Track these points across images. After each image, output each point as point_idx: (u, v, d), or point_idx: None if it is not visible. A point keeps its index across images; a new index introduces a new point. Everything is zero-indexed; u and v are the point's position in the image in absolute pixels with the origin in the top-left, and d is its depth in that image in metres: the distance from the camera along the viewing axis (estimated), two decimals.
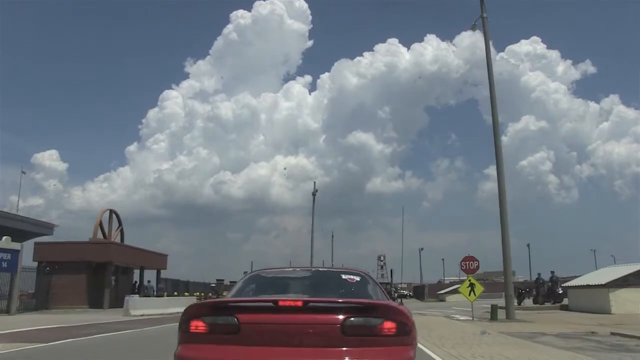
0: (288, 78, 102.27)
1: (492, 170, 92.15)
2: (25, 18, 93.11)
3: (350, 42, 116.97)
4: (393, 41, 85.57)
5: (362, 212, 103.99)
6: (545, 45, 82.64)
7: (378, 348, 3.31)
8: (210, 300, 4.77)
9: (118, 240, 34.46)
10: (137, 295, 30.01)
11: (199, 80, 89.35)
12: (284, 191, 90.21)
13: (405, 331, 3.44)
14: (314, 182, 56.55)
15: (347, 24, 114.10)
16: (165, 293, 38.62)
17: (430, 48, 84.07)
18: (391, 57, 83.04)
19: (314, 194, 55.67)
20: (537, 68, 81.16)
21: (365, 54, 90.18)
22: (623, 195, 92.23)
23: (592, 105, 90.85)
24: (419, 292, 66.44)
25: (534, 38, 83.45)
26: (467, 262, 20.01)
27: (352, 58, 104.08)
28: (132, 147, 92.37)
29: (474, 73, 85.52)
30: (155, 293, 29.72)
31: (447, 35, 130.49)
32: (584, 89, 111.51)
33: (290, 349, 3.24)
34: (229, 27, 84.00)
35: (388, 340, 3.36)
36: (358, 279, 4.55)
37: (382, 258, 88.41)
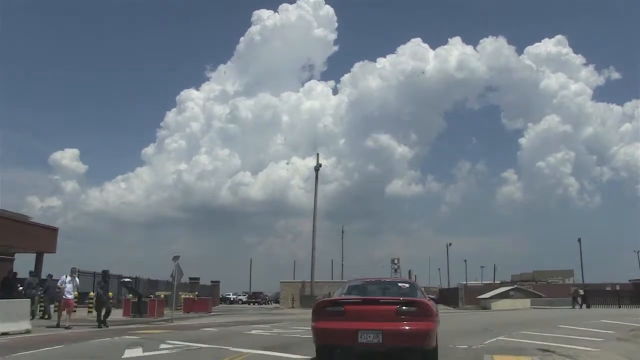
0: (310, 78, 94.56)
1: (509, 174, 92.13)
2: (42, 17, 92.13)
3: (373, 43, 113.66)
4: (417, 41, 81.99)
5: (380, 215, 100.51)
6: (571, 49, 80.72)
7: (414, 322, 6.88)
8: (330, 299, 8.27)
9: None
10: None
11: (220, 83, 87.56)
12: (302, 193, 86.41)
13: (429, 313, 7.10)
14: (317, 154, 48.64)
15: (371, 25, 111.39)
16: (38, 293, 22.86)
17: (455, 51, 79.83)
18: (415, 60, 79.21)
19: (317, 169, 47.21)
20: (560, 70, 78.28)
21: (388, 56, 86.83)
22: None
23: (615, 108, 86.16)
24: (450, 297, 50.02)
25: (559, 38, 79.75)
26: None
27: (374, 60, 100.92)
28: (151, 149, 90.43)
29: (496, 78, 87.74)
30: None
31: (471, 40, 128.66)
32: (607, 93, 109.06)
33: (370, 322, 6.87)
34: (252, 30, 79.89)
35: (419, 318, 6.95)
36: (407, 285, 8.72)
37: (396, 261, 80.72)
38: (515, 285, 48.00)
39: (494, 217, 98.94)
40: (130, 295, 23.70)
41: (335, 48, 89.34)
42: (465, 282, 63.81)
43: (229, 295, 65.06)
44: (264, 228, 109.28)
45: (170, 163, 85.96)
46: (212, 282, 52.54)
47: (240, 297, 65.11)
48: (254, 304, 57.40)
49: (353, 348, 7.20)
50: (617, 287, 44.97)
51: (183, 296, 28.98)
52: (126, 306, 22.80)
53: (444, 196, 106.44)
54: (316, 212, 44.97)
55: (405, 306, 7.02)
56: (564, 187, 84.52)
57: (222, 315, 27.37)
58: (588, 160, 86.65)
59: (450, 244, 68.22)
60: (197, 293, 33.11)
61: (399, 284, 8.71)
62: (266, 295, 63.61)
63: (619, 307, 35.02)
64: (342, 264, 71.98)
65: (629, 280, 55.23)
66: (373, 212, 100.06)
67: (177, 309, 30.56)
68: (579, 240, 62.12)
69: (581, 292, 37.67)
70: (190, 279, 47.14)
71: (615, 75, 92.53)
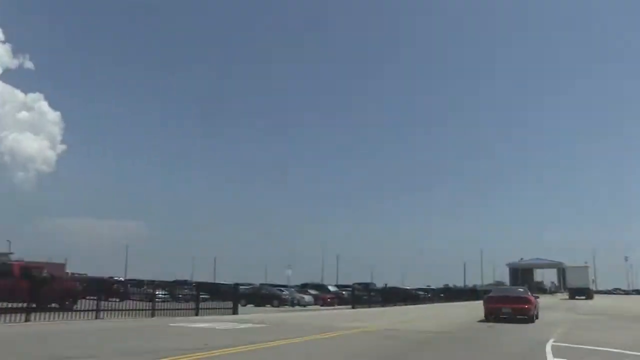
0: None
1: None
2: None
3: None
4: None
5: None
6: None
7: (520, 304, 20.81)
8: (490, 295, 22.44)
9: None
10: None
11: None
12: None
13: (528, 302, 21.02)
14: None
15: None
16: None
17: None
18: None
19: None
20: None
21: None
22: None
23: (18, 94, 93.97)
24: None
25: None
26: None
27: None
28: None
29: None
30: None
31: None
32: (18, 78, 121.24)
33: (506, 304, 21.01)
34: None
35: (523, 303, 20.92)
36: (522, 290, 23.59)
37: None
38: None
39: None
40: None
41: None
42: None
43: None
44: None
45: None
46: None
47: None
48: None
49: (499, 315, 19.89)
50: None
51: None
52: None
53: None
54: None
55: (521, 296, 20.73)
56: None
57: None
58: None
59: None
60: None
61: (519, 289, 23.00)
62: None
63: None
64: None
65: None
66: None
67: None
68: None
69: None
70: None
71: (29, 64, 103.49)
